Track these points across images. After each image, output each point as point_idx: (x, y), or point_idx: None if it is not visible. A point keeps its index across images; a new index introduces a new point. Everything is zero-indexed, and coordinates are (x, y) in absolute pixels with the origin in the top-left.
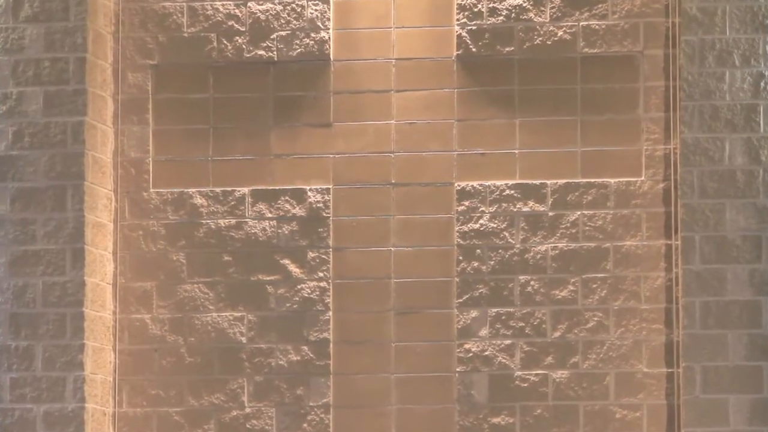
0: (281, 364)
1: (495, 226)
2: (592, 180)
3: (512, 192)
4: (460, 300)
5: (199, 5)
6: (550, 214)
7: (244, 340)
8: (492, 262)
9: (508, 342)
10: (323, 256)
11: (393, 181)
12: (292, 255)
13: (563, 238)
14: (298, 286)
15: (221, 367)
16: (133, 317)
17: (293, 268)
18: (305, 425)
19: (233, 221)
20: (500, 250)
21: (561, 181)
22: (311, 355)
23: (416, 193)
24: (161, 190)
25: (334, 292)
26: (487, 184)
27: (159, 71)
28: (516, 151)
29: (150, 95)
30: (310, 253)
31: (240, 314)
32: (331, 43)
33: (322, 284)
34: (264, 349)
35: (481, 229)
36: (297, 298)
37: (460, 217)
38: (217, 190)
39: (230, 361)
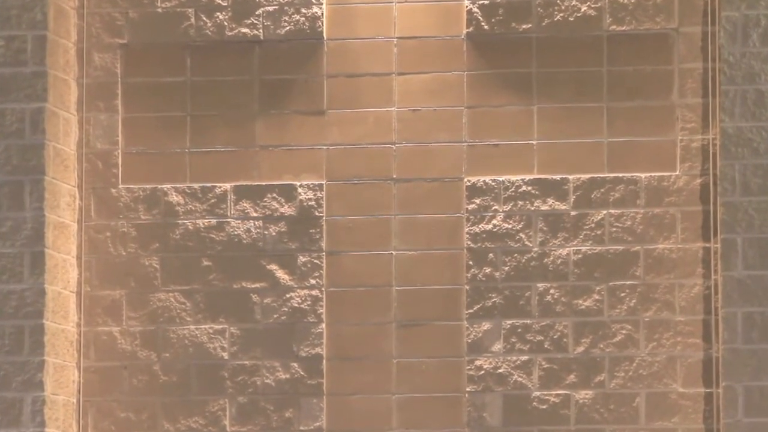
0: (268, 383)
1: (510, 226)
2: (620, 175)
3: (529, 188)
4: (471, 310)
5: None
6: (573, 213)
7: (225, 355)
8: (506, 268)
9: (524, 358)
10: (315, 261)
11: (394, 176)
12: (281, 259)
13: (587, 241)
14: (287, 295)
15: (200, 387)
16: (100, 330)
17: (281, 275)
18: None
19: (213, 221)
20: (516, 254)
21: (585, 176)
22: (302, 373)
23: (421, 189)
24: (132, 187)
25: (328, 301)
26: (501, 179)
27: (129, 51)
28: (534, 142)
29: (119, 79)
30: (301, 257)
31: (221, 327)
32: (325, 20)
33: (314, 292)
34: (248, 367)
35: (494, 230)
36: (286, 309)
37: (471, 217)
38: (196, 186)
39: (210, 380)
